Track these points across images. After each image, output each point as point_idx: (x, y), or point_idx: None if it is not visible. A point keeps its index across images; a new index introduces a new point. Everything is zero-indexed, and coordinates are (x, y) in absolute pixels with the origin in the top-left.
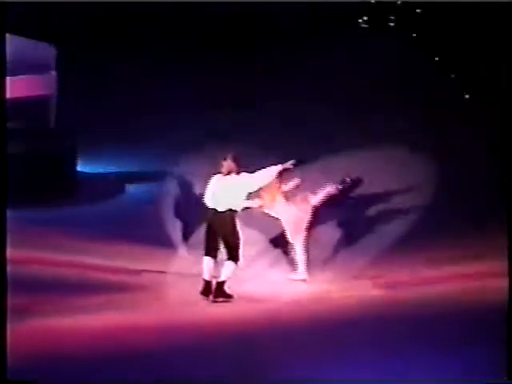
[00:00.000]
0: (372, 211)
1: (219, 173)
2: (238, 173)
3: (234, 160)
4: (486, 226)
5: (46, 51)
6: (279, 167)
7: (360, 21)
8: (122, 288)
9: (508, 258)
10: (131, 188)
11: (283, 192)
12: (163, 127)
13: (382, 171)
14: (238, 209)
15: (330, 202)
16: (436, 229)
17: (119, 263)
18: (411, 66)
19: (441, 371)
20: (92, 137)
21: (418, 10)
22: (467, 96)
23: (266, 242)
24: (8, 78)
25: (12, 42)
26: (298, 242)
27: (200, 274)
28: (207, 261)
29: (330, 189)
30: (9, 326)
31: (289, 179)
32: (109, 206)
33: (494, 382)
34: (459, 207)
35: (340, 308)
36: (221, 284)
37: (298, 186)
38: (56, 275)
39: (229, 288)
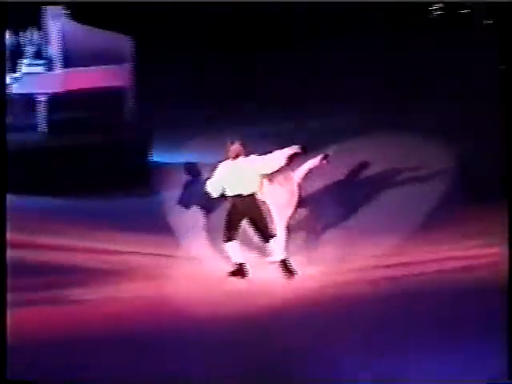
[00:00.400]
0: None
1: (226, 159)
2: (245, 155)
3: (241, 143)
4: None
5: (122, 42)
6: (289, 150)
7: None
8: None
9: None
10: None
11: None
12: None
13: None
14: (257, 190)
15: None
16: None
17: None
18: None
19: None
20: (166, 128)
21: None
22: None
23: None
24: (85, 69)
25: (89, 33)
26: (282, 221)
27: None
28: (235, 245)
29: (311, 162)
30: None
31: (298, 164)
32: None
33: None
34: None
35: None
36: (284, 262)
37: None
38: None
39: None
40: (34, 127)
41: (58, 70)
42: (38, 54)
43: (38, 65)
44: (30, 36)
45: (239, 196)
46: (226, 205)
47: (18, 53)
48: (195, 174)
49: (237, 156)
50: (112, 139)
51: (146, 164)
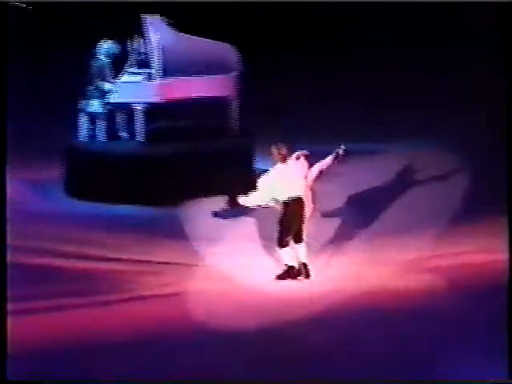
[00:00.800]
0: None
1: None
2: (286, 159)
3: (287, 146)
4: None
5: (228, 52)
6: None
7: None
8: None
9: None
10: None
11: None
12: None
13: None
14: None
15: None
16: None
17: None
18: None
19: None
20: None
21: None
22: None
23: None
24: (192, 78)
25: (195, 43)
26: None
27: None
28: (289, 250)
29: (322, 164)
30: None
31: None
32: None
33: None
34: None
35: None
36: (306, 265)
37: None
38: None
39: None
40: (133, 136)
41: (159, 80)
42: (140, 63)
43: (139, 74)
44: (132, 45)
45: (295, 199)
46: (276, 210)
47: (120, 61)
48: None
49: (285, 159)
50: (216, 147)
51: (251, 172)
